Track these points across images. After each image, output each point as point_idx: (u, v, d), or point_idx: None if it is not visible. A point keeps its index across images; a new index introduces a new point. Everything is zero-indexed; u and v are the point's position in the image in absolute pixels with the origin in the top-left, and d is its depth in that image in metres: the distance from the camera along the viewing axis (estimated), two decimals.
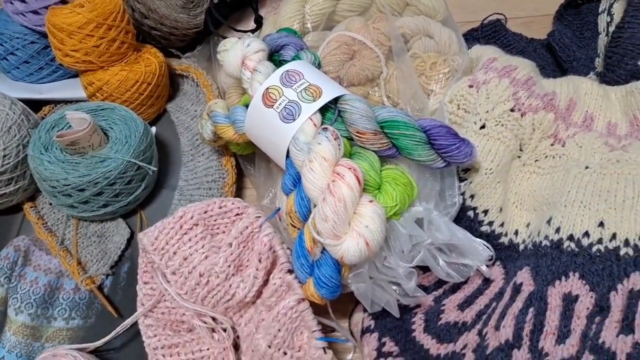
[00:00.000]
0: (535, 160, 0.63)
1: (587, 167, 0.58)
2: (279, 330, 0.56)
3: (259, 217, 0.61)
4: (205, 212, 0.63)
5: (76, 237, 0.71)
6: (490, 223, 0.61)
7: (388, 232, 0.55)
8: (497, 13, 0.87)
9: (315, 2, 0.75)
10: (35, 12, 0.77)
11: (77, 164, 0.67)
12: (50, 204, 0.74)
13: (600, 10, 0.81)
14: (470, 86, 0.65)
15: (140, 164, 0.68)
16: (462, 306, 0.58)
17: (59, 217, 0.74)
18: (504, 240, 0.60)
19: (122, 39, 0.75)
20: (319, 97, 0.58)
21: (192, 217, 0.61)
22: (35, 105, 0.81)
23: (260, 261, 0.58)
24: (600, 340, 0.48)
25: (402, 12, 0.77)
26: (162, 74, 0.80)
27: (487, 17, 0.87)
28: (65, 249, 0.70)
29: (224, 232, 0.63)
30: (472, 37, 0.85)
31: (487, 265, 0.58)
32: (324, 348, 0.55)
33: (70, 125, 0.70)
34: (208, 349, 0.60)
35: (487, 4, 0.91)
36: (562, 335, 0.49)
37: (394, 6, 0.76)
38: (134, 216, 0.74)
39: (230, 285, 0.59)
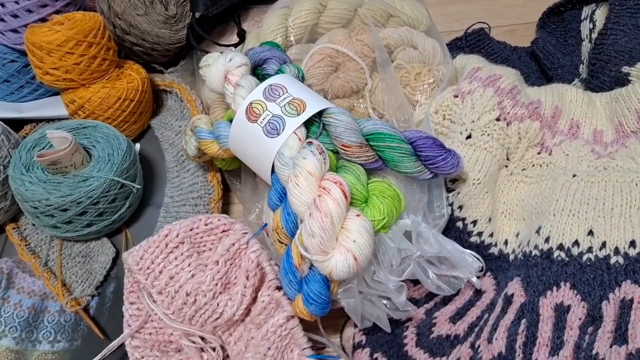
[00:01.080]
0: (523, 169, 0.62)
1: (574, 175, 0.58)
2: (269, 348, 0.56)
3: (246, 233, 0.60)
4: (191, 229, 0.62)
5: (60, 257, 0.70)
6: (480, 234, 0.60)
7: (376, 246, 0.54)
8: (481, 22, 0.87)
9: (298, 15, 0.74)
10: (14, 31, 0.76)
11: (59, 184, 0.65)
12: (33, 225, 0.73)
13: (582, 17, 0.82)
14: (455, 96, 0.65)
15: (124, 182, 0.67)
16: (454, 318, 0.57)
17: (42, 237, 0.72)
18: (494, 250, 0.60)
19: (103, 56, 0.74)
20: (303, 110, 0.57)
21: (177, 235, 0.60)
22: (16, 124, 0.80)
23: (247, 278, 0.57)
24: (594, 352, 0.47)
25: (386, 24, 0.77)
26: (145, 90, 0.79)
27: (470, 26, 0.87)
28: (49, 270, 0.69)
29: (210, 249, 0.62)
30: (456, 46, 0.85)
31: (478, 277, 0.58)
32: None
33: (51, 145, 0.68)
34: None
35: (470, 13, 0.92)
36: (555, 347, 0.49)
37: (377, 17, 0.75)
38: (119, 235, 0.73)
39: (217, 304, 0.58)
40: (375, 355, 0.58)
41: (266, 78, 0.63)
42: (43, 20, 0.76)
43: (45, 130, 0.69)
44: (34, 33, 0.71)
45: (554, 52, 0.81)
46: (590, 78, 0.73)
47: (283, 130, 0.57)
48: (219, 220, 0.62)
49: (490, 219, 0.61)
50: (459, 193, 0.61)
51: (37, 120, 0.83)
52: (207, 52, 0.74)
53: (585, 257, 0.53)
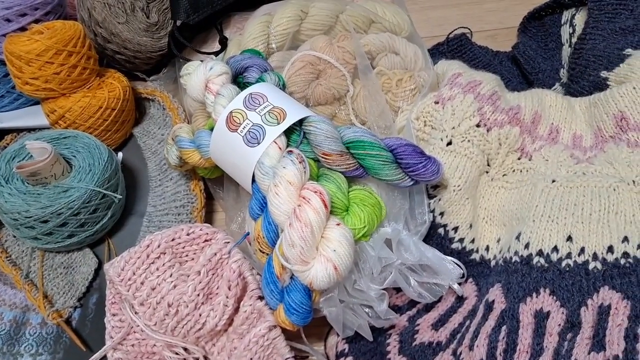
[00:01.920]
0: (503, 175, 0.63)
1: (553, 181, 0.58)
2: (251, 358, 0.56)
3: (228, 242, 0.60)
4: (173, 239, 0.61)
5: (41, 269, 0.69)
6: (461, 240, 0.61)
7: (357, 255, 0.54)
8: (463, 27, 0.88)
9: (279, 22, 0.74)
10: None
11: (39, 195, 0.65)
12: (14, 237, 0.72)
13: (562, 21, 0.82)
14: (436, 102, 0.65)
15: (105, 192, 0.67)
16: (436, 325, 0.57)
17: (23, 249, 0.71)
18: (475, 256, 0.60)
19: (83, 65, 0.73)
20: (283, 119, 0.57)
21: (159, 246, 0.60)
22: None
23: (229, 288, 0.57)
24: (573, 358, 0.47)
25: (367, 30, 0.77)
26: (127, 98, 0.78)
27: (452, 31, 0.87)
28: (31, 282, 0.68)
29: (192, 259, 0.62)
30: (439, 51, 0.86)
31: (459, 283, 0.58)
32: None
33: (31, 155, 0.68)
34: None
35: (452, 18, 0.92)
36: (535, 354, 0.49)
37: (359, 24, 0.76)
38: (102, 245, 0.72)
39: (200, 315, 0.58)
40: None
41: (247, 86, 0.63)
42: (22, 29, 0.75)
43: (25, 141, 0.69)
44: (13, 42, 0.70)
45: (534, 56, 0.81)
46: (570, 82, 0.73)
47: (263, 139, 0.56)
48: (201, 229, 0.62)
49: (471, 225, 0.61)
50: (440, 200, 0.61)
51: (18, 130, 0.82)
52: (189, 60, 0.74)
53: (564, 263, 0.53)
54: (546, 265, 0.54)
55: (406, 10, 0.82)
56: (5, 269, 0.69)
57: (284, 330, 0.56)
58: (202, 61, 0.67)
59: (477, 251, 0.60)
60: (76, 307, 0.67)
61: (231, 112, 0.59)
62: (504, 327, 0.51)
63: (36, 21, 0.75)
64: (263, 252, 0.57)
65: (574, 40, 0.79)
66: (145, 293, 0.58)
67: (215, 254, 0.59)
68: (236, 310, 0.59)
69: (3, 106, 0.82)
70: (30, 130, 0.81)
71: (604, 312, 0.49)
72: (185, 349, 0.59)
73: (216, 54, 0.80)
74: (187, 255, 0.62)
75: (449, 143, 0.62)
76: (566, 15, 0.82)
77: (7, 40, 0.71)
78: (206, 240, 0.62)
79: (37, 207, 0.64)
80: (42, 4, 0.75)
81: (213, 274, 0.59)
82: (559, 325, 0.50)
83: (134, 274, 0.59)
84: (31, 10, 0.75)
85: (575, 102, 0.67)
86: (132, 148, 0.82)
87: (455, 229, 0.61)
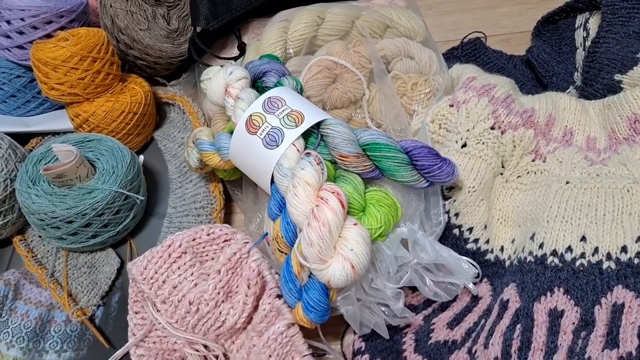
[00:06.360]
0: (518, 177, 0.64)
1: (567, 182, 0.59)
2: (270, 356, 0.57)
3: (247, 242, 0.61)
4: (194, 239, 0.63)
5: (66, 268, 0.71)
6: (476, 240, 0.61)
7: (374, 254, 0.55)
8: (477, 31, 0.89)
9: (296, 28, 0.76)
10: (20, 47, 0.78)
11: (64, 196, 0.67)
12: (40, 237, 0.74)
13: (576, 25, 0.83)
14: (451, 105, 0.66)
15: (128, 193, 0.69)
16: (452, 324, 0.58)
17: (48, 249, 0.73)
18: (490, 257, 0.61)
19: (107, 71, 0.75)
20: (301, 122, 0.59)
21: (180, 245, 0.62)
22: (23, 138, 0.82)
23: (249, 287, 0.58)
24: (587, 356, 0.48)
25: (383, 35, 0.78)
26: (148, 103, 0.80)
27: (467, 36, 0.88)
28: (56, 281, 0.70)
29: (212, 258, 0.64)
30: (453, 55, 0.87)
31: (474, 283, 0.59)
32: None
33: (57, 158, 0.70)
34: None
35: (466, 23, 0.93)
36: (550, 351, 0.50)
37: (374, 29, 0.77)
38: (124, 245, 0.74)
39: (220, 312, 0.59)
40: None
41: (265, 90, 0.64)
42: (48, 36, 0.77)
43: (51, 144, 0.71)
44: (40, 49, 0.73)
45: (548, 60, 0.82)
46: (584, 86, 0.74)
47: (282, 141, 0.58)
48: (220, 230, 0.64)
49: (486, 226, 0.62)
50: (455, 201, 0.62)
51: (43, 134, 0.84)
52: (208, 65, 0.75)
53: (578, 263, 0.54)
54: (560, 264, 0.54)
55: (421, 15, 0.83)
56: (31, 268, 0.71)
57: (301, 328, 0.57)
58: (221, 66, 0.69)
59: (491, 251, 0.61)
60: (99, 305, 0.69)
61: (250, 115, 0.61)
62: (518, 326, 0.52)
63: (61, 28, 0.77)
64: (282, 252, 0.58)
65: (587, 43, 0.80)
66: (167, 291, 0.60)
67: (235, 254, 0.60)
68: (255, 308, 0.60)
69: (29, 110, 0.84)
70: (55, 133, 0.84)
71: (617, 311, 0.50)
72: (206, 346, 0.60)
73: (235, 59, 0.82)
74: (207, 255, 0.64)
75: (464, 145, 0.63)
76: (580, 19, 0.83)
77: (34, 47, 0.73)
78: (226, 240, 0.64)
79: (62, 208, 0.66)
80: (67, 12, 0.77)
81: (233, 273, 0.60)
82: (573, 323, 0.51)
83: (156, 272, 0.61)
84: (57, 18, 0.77)
85: (589, 104, 0.67)
86: (153, 151, 0.84)
87: (470, 229, 0.62)
